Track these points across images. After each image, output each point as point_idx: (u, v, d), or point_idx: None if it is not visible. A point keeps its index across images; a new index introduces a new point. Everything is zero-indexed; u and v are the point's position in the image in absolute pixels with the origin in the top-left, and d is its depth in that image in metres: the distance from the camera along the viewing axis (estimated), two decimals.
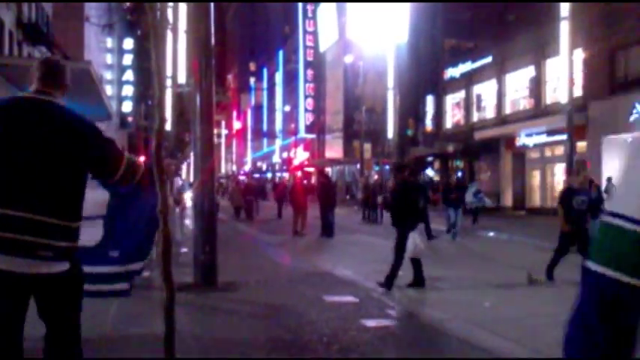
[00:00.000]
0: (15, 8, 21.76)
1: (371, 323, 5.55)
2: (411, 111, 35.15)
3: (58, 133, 2.60)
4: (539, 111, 24.52)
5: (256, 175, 62.93)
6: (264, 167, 73.31)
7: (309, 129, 53.92)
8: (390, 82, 35.20)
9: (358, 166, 38.42)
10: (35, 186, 2.53)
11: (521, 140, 25.40)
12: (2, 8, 20.17)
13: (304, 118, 54.42)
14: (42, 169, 2.54)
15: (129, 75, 39.29)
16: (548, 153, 24.56)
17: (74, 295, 2.63)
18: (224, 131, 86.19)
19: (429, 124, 34.93)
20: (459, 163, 31.93)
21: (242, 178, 44.03)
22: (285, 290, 7.12)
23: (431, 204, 17.64)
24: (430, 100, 34.55)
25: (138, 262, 3.70)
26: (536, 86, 25.15)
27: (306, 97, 54.39)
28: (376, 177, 30.78)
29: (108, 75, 38.95)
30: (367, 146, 38.19)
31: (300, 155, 55.33)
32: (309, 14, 53.60)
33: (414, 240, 7.58)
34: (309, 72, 54.36)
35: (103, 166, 2.75)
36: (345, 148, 46.07)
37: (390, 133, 34.70)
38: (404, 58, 34.81)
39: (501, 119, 27.49)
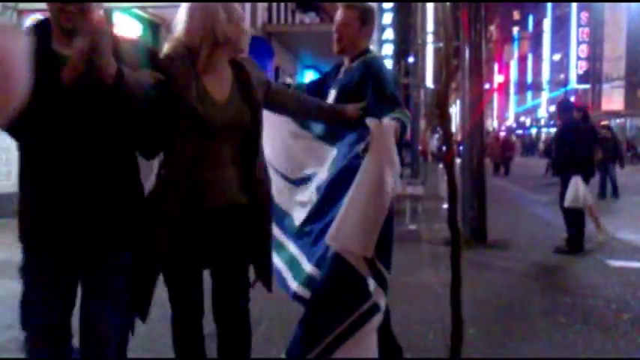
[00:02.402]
0: None
1: None
2: None
3: None
4: None
5: (519, 132, 59.68)
6: (528, 122, 69.01)
7: (582, 78, 48.80)
8: None
9: None
10: None
11: None
12: None
13: (576, 67, 49.33)
14: None
15: (388, 34, 40.31)
16: None
17: None
18: (485, 85, 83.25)
19: None
20: None
21: (502, 133, 42.06)
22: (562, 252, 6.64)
23: None
24: None
25: None
26: None
27: (579, 42, 49.11)
28: None
29: None
30: None
31: None
32: None
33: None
34: (584, 15, 48.78)
35: None
36: (627, 98, 40.54)
37: None
38: None
39: None
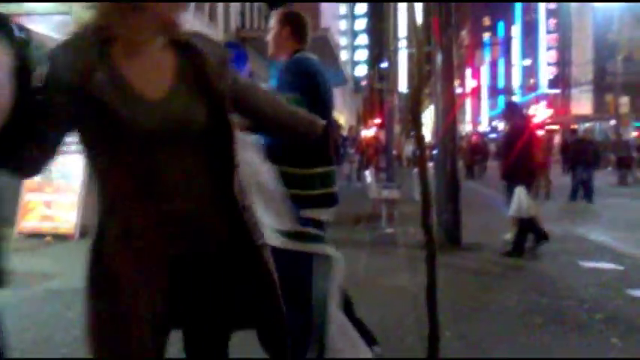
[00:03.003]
0: None
1: None
2: None
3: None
4: None
5: (492, 135, 60.49)
6: (501, 126, 70.07)
7: (552, 83, 49.74)
8: None
9: (612, 122, 34.31)
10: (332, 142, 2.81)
11: None
12: None
13: (546, 72, 50.28)
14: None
15: (362, 39, 40.61)
16: None
17: None
18: (457, 90, 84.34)
19: None
20: None
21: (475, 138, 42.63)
22: (534, 253, 6.72)
23: None
24: None
25: None
26: None
27: (548, 48, 50.08)
28: (635, 134, 27.15)
29: (342, 41, 40.81)
30: (623, 100, 33.81)
31: (542, 112, 51.48)
32: None
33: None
34: (552, 21, 49.81)
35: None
36: (596, 103, 41.45)
37: None
38: None
39: None
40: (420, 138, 3.00)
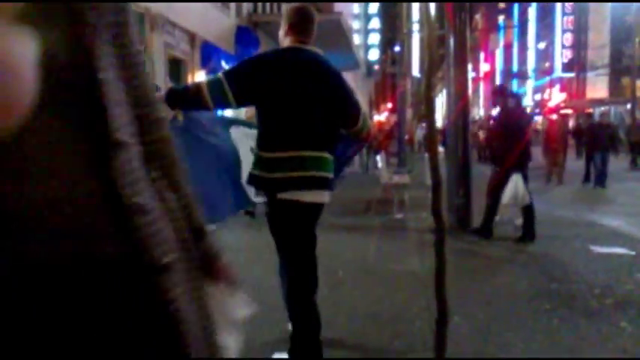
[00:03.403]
0: None
1: None
2: None
3: (326, 82, 2.86)
4: None
5: None
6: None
7: (566, 67, 49.07)
8: None
9: (628, 106, 33.82)
10: (318, 128, 2.82)
11: None
12: None
13: (561, 55, 49.60)
14: (320, 114, 2.83)
15: (375, 23, 40.25)
16: None
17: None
18: (471, 74, 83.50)
19: None
20: None
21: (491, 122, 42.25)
22: (546, 238, 6.72)
23: None
24: None
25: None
26: None
27: (563, 31, 49.34)
28: None
29: (355, 24, 40.46)
30: None
31: (556, 96, 50.87)
32: None
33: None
34: (568, 3, 48.97)
35: (349, 113, 2.98)
36: (611, 86, 40.89)
37: None
38: None
39: None
40: (431, 122, 3.00)
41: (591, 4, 44.96)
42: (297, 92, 2.79)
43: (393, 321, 3.85)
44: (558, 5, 49.83)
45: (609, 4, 40.92)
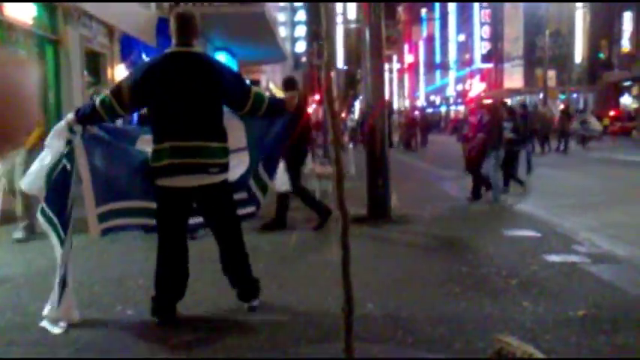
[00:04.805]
0: None
1: (554, 259, 5.22)
2: (603, 31, 31.36)
3: (202, 77, 3.37)
4: None
5: (429, 110, 61.66)
6: (438, 101, 71.47)
7: (485, 58, 51.08)
8: None
9: (541, 95, 35.64)
10: (195, 121, 3.37)
11: None
12: None
13: (480, 47, 51.52)
14: (196, 107, 3.37)
15: (301, 15, 40.21)
16: None
17: (230, 196, 3.63)
18: (396, 66, 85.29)
19: (625, 44, 30.91)
20: None
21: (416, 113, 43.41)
22: (460, 224, 6.96)
23: None
24: (628, 17, 30.40)
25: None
26: None
27: (482, 24, 51.24)
28: (562, 106, 28.32)
29: (281, 17, 40.27)
30: (551, 74, 35.13)
31: (476, 87, 52.86)
32: None
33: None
34: None
35: (235, 100, 3.52)
36: (526, 77, 42.93)
37: (578, 58, 31.49)
38: None
39: None
40: (333, 114, 3.03)
41: None
42: (170, 92, 3.33)
43: (308, 310, 3.87)
44: None
45: None
